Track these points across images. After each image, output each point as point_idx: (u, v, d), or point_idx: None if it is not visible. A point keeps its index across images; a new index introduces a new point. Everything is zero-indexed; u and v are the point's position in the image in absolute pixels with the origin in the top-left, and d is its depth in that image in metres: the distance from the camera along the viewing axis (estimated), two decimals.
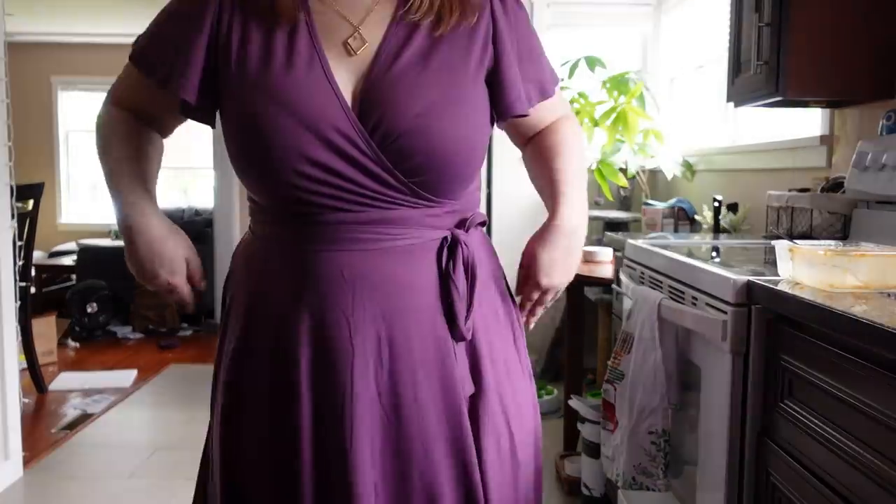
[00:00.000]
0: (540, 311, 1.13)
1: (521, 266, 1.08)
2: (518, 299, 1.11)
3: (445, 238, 0.97)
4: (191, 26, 0.93)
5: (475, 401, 0.98)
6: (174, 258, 1.01)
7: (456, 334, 0.96)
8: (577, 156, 1.10)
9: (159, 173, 1.07)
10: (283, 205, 0.94)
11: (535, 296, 1.09)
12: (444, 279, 0.95)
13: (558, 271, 1.06)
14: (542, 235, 1.06)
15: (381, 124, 0.89)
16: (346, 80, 0.91)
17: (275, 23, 0.91)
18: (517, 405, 1.03)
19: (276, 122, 0.87)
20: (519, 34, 1.01)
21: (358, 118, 0.90)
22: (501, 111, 1.00)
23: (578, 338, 3.04)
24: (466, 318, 0.96)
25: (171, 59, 0.94)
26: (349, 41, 0.93)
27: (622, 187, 3.47)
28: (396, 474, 0.93)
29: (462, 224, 0.99)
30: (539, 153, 1.10)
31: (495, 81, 0.98)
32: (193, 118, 1.00)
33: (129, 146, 1.02)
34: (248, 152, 0.92)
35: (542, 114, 1.09)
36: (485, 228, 1.10)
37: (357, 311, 0.91)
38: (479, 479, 0.95)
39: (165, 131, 1.09)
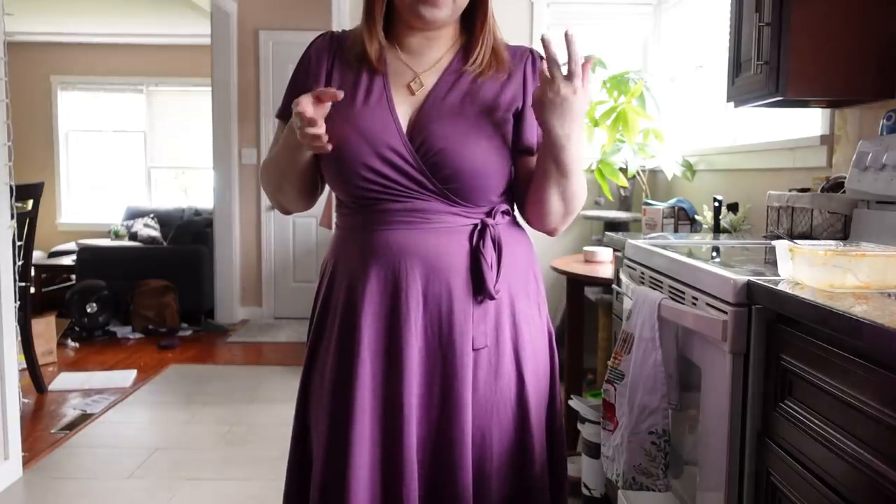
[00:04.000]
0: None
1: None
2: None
3: (476, 224, 1.23)
4: (311, 78, 1.27)
5: (493, 350, 1.24)
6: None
7: (485, 294, 1.22)
8: (581, 185, 1.26)
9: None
10: (352, 198, 1.25)
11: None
12: (475, 252, 1.21)
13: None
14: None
15: (424, 144, 1.19)
16: (405, 111, 1.23)
17: (361, 69, 1.25)
18: (534, 355, 1.28)
19: (348, 138, 1.20)
20: None
21: (409, 139, 1.20)
22: (518, 142, 1.26)
23: (578, 338, 3.04)
24: (496, 282, 1.22)
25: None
26: (411, 84, 1.25)
27: (622, 187, 3.47)
28: (430, 401, 1.22)
29: (490, 213, 1.25)
30: None
31: (518, 121, 1.26)
32: None
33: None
34: (331, 161, 1.23)
35: None
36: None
37: (403, 273, 1.20)
38: (470, 398, 1.21)
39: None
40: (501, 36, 1.30)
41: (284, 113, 1.29)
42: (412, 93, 1.25)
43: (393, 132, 1.20)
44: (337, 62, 1.27)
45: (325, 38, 1.31)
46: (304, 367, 1.32)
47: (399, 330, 1.20)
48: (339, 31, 1.34)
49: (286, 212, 1.38)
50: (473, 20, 1.27)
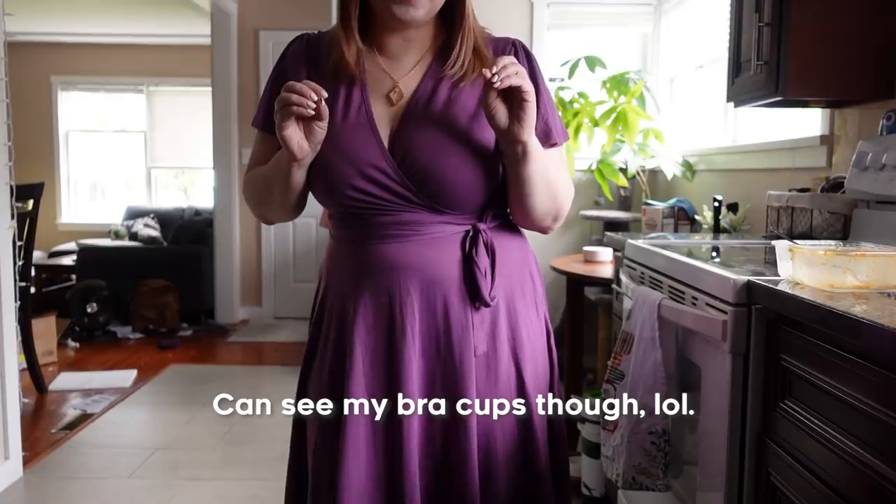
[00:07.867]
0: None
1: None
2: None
3: (468, 231, 1.20)
4: None
5: (491, 354, 1.22)
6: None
7: (480, 302, 1.20)
8: (562, 183, 1.23)
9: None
10: (340, 213, 1.24)
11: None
12: (468, 260, 1.19)
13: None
14: None
15: (406, 159, 1.16)
16: (385, 123, 1.19)
17: (339, 80, 1.20)
18: (533, 355, 1.27)
19: (331, 159, 1.17)
20: None
21: (391, 153, 1.17)
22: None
23: (578, 338, 3.05)
24: (491, 289, 1.19)
25: None
26: (391, 94, 1.20)
27: (622, 187, 3.47)
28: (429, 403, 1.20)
29: (481, 218, 1.22)
30: None
31: None
32: None
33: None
34: (315, 179, 1.20)
35: None
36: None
37: (397, 288, 1.18)
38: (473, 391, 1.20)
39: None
40: (482, 30, 1.24)
41: (265, 124, 1.25)
42: (392, 104, 1.20)
43: (375, 150, 1.17)
44: (314, 71, 1.22)
45: (300, 43, 1.26)
46: (300, 377, 1.31)
47: (396, 345, 1.18)
48: (315, 32, 1.28)
49: (268, 222, 1.36)
50: (452, 18, 1.21)
